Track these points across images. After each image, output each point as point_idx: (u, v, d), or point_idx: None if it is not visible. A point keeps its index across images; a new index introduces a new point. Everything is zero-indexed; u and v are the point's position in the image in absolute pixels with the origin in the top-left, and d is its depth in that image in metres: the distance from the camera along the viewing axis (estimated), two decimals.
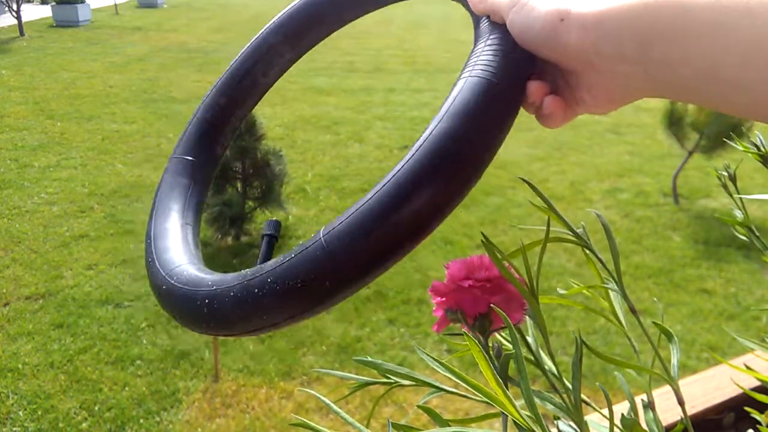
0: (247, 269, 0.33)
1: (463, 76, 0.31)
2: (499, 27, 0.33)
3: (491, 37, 0.32)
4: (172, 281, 0.36)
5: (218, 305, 0.32)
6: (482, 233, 0.32)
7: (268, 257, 0.38)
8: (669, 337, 0.35)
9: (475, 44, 0.33)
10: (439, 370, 0.26)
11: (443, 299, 0.30)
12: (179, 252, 0.40)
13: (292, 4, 0.51)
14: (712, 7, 0.25)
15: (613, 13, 0.28)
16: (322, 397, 0.33)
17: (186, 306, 0.35)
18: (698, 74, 0.26)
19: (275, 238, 0.39)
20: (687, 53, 0.26)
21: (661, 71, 0.27)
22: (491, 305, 0.29)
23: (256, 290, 0.30)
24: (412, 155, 0.29)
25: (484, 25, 0.34)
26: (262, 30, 0.52)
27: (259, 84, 0.52)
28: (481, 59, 0.31)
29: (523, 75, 0.31)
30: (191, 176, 0.48)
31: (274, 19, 0.52)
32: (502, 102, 0.30)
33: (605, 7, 0.28)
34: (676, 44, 0.26)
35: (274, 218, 0.41)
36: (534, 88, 0.32)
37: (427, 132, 0.29)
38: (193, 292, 0.34)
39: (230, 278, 0.33)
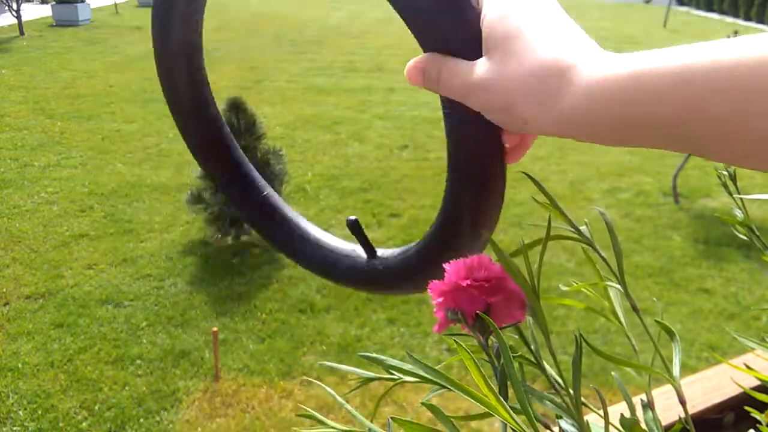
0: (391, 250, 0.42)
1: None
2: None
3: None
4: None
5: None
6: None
7: (367, 241, 0.43)
8: (671, 335, 0.35)
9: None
10: (429, 376, 0.26)
11: (442, 299, 0.31)
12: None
13: None
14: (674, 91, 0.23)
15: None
16: (329, 389, 0.33)
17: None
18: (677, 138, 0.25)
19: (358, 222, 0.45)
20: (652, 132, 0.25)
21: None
22: (490, 304, 0.29)
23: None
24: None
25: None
26: None
27: None
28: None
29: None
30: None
31: None
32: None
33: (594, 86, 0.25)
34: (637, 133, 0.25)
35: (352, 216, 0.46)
36: None
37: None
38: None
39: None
